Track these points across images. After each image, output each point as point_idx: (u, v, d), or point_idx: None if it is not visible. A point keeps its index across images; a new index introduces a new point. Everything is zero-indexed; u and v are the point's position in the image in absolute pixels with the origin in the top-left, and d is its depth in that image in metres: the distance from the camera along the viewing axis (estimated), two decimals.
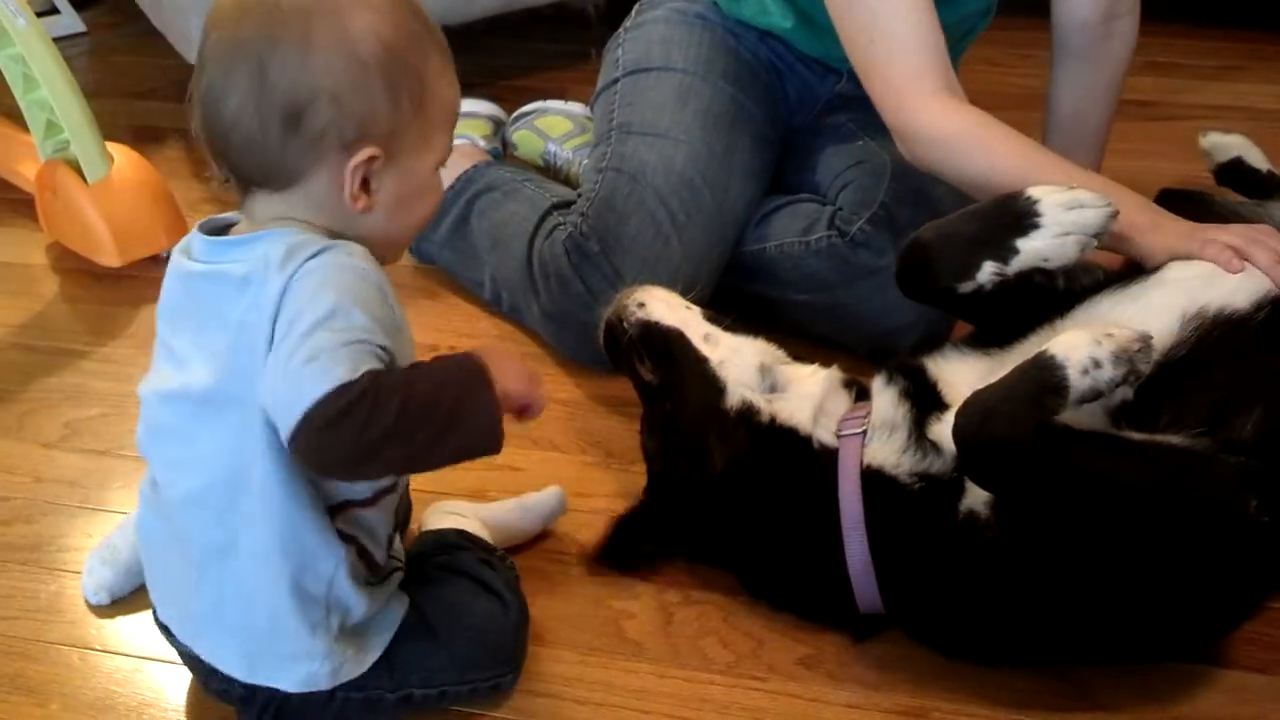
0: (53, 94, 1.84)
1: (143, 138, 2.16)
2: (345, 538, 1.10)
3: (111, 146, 1.93)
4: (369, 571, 1.13)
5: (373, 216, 1.07)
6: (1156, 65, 2.45)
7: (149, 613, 1.24)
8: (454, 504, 1.37)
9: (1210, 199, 1.69)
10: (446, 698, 1.19)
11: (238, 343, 1.03)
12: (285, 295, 1.00)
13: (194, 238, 1.10)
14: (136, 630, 1.30)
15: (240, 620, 1.11)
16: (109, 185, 1.90)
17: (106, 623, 1.33)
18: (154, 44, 2.51)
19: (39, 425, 1.62)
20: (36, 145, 1.94)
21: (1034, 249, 1.22)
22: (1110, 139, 1.79)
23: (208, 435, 1.07)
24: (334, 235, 1.06)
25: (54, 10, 2.75)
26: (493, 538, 1.32)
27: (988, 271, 1.23)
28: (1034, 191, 1.23)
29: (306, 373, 0.97)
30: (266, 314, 1.01)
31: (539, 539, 1.40)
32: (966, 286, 1.24)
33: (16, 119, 2.01)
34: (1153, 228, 1.33)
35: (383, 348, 1.00)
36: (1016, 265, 1.23)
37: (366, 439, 0.97)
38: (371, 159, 1.04)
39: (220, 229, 1.11)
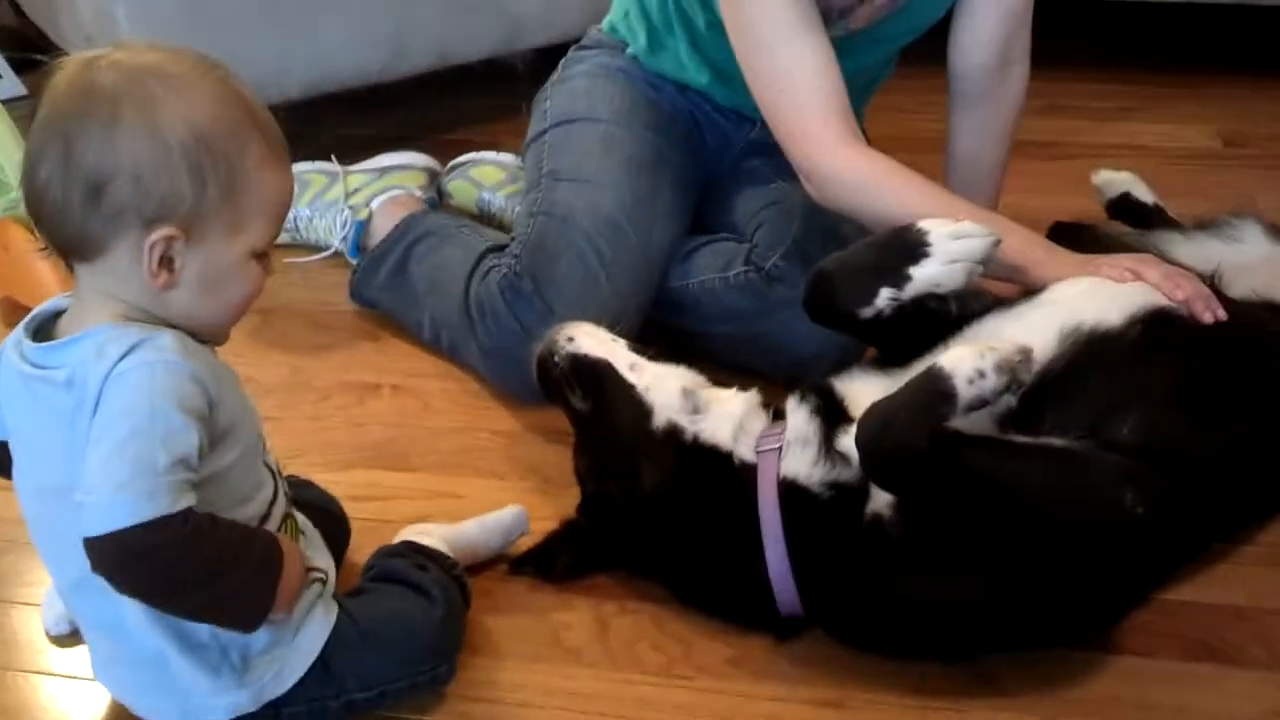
0: (2, 154, 1.91)
1: None
2: None
3: None
4: None
5: (179, 295, 1.11)
6: (1055, 108, 2.58)
7: None
8: (425, 525, 1.45)
9: (1098, 230, 1.83)
10: (387, 696, 1.26)
11: (71, 441, 1.08)
12: (101, 398, 1.06)
13: (21, 340, 1.14)
14: None
15: (154, 680, 1.18)
16: None
17: (68, 651, 1.38)
18: None
19: None
20: None
21: (926, 275, 1.33)
22: (1011, 177, 1.89)
23: (71, 526, 1.07)
24: (148, 316, 1.12)
25: None
26: (456, 555, 1.39)
27: (885, 297, 1.34)
28: (924, 224, 1.34)
29: (120, 499, 1.02)
30: (86, 413, 1.06)
31: (487, 564, 1.47)
32: (867, 312, 1.35)
33: None
34: (1048, 260, 1.45)
35: (197, 457, 1.06)
36: (911, 291, 1.33)
37: (156, 579, 1.06)
38: (170, 238, 1.08)
39: (50, 317, 1.16)
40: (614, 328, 1.54)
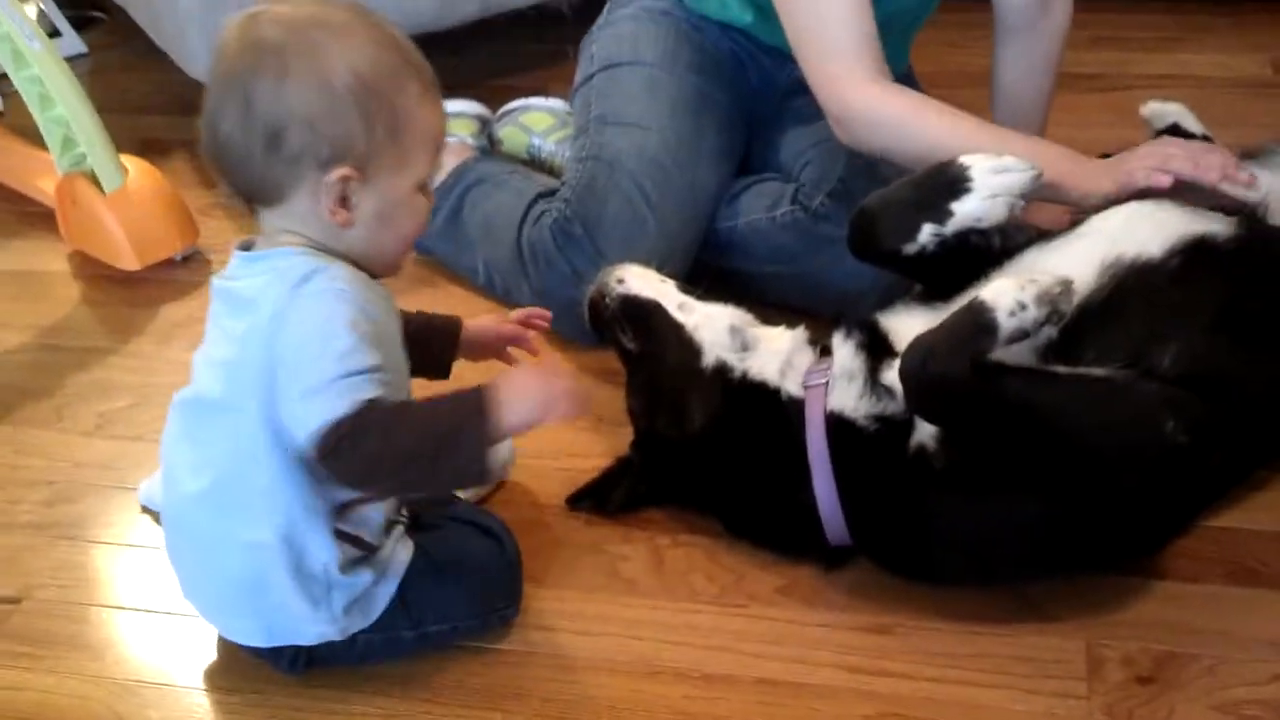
0: (68, 111, 1.96)
1: (149, 150, 2.26)
2: (344, 536, 1.23)
3: (124, 158, 2.05)
4: (363, 553, 1.26)
5: (356, 232, 1.20)
6: (1102, 40, 2.56)
7: None
8: None
9: None
10: (459, 632, 1.32)
11: (240, 356, 1.17)
12: (279, 325, 1.14)
13: (234, 255, 1.24)
14: (177, 592, 1.43)
15: (251, 604, 1.24)
16: (125, 194, 2.02)
17: (149, 588, 1.46)
18: (153, 61, 2.61)
19: (74, 416, 1.75)
20: (54, 160, 2.05)
21: (967, 211, 1.35)
22: (1057, 110, 1.89)
23: (217, 438, 1.20)
24: (327, 250, 1.20)
25: (56, 33, 2.86)
26: (465, 494, 1.45)
27: (927, 233, 1.36)
28: (965, 159, 1.36)
29: (311, 408, 1.12)
30: (262, 334, 1.15)
31: (547, 499, 1.53)
32: (910, 248, 1.37)
33: (34, 137, 2.13)
34: (1078, 171, 1.48)
35: (375, 367, 1.14)
36: (953, 226, 1.36)
37: (364, 466, 1.14)
38: (346, 178, 1.16)
39: (249, 246, 1.24)
40: (662, 269, 1.57)
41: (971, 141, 1.42)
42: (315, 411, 1.11)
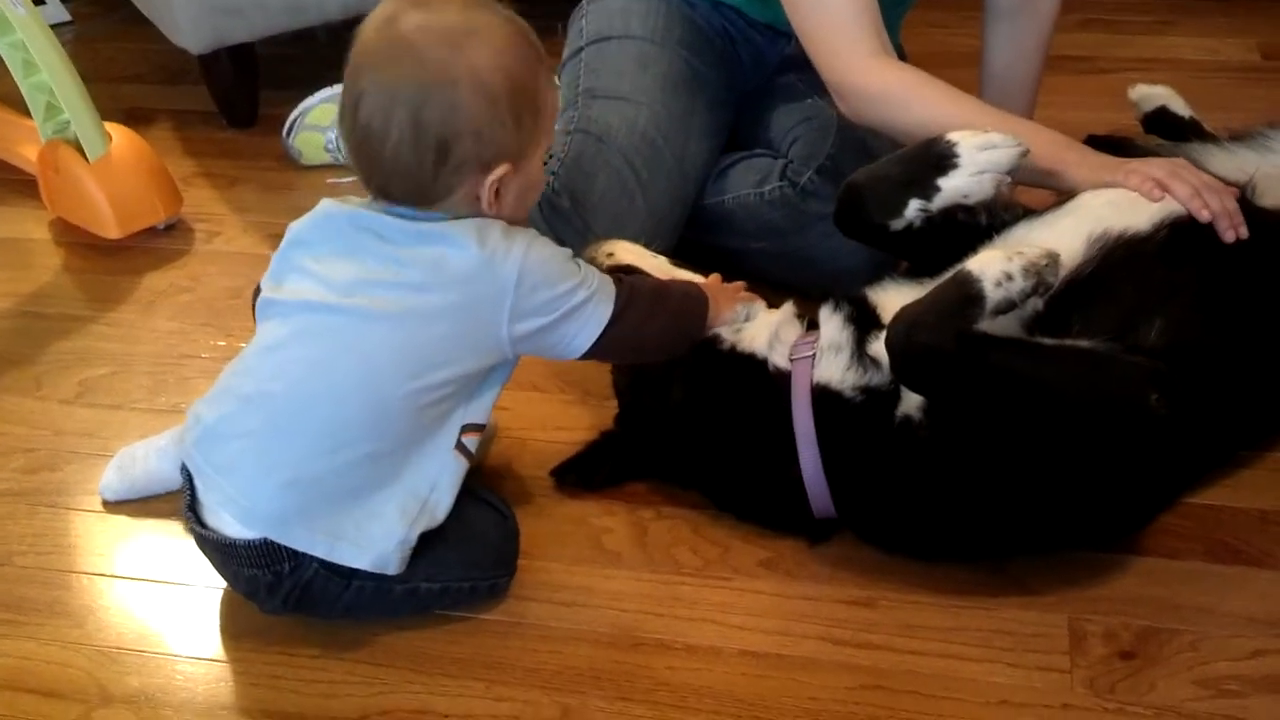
0: (52, 77, 1.94)
1: (133, 119, 2.25)
2: (461, 449, 1.28)
3: (108, 126, 2.03)
4: (469, 465, 1.30)
5: (501, 214, 1.26)
6: (1091, 21, 2.57)
7: (168, 541, 1.39)
8: None
9: (1132, 142, 1.82)
10: (448, 594, 1.32)
11: (435, 279, 1.22)
12: (518, 263, 1.23)
13: (378, 206, 1.27)
14: (158, 559, 1.43)
15: (335, 509, 1.23)
16: (108, 162, 2.00)
17: (130, 554, 1.45)
18: (137, 30, 2.60)
19: (55, 384, 1.74)
20: (38, 127, 2.03)
21: (954, 186, 1.35)
22: (1046, 92, 1.89)
23: (363, 351, 1.23)
24: None
25: (41, 0, 2.84)
26: None
27: (914, 208, 1.36)
28: (952, 135, 1.36)
29: (594, 310, 1.28)
30: (501, 283, 1.23)
31: (532, 471, 1.52)
32: (897, 224, 1.37)
33: (16, 104, 2.12)
34: (1081, 163, 1.46)
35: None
36: (939, 202, 1.35)
37: (636, 340, 1.34)
38: (504, 175, 1.23)
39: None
40: (649, 245, 1.57)
41: (974, 122, 1.41)
42: (594, 314, 1.28)
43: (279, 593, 1.27)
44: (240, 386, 1.27)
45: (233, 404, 1.27)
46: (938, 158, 1.36)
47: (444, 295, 1.23)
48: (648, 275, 1.46)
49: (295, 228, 1.31)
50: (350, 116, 1.22)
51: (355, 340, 1.23)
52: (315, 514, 1.24)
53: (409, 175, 1.22)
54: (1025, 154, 1.35)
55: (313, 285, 1.26)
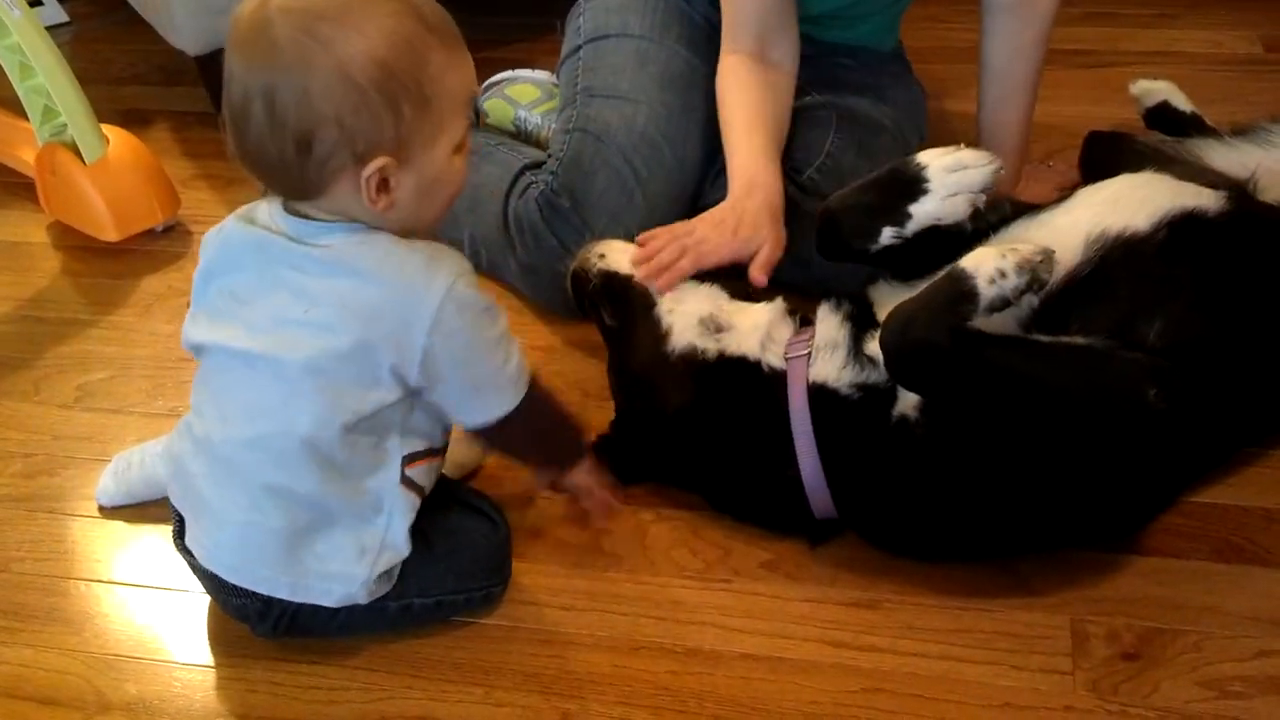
0: (49, 80, 1.93)
1: (131, 120, 2.24)
2: (409, 483, 1.24)
3: (106, 128, 2.02)
4: (419, 498, 1.27)
5: (399, 210, 1.18)
6: (1093, 15, 2.54)
7: (166, 547, 1.37)
8: None
9: (1135, 139, 1.82)
10: (443, 607, 1.31)
11: (340, 319, 1.16)
12: (432, 316, 1.16)
13: (264, 210, 1.21)
14: (155, 565, 1.43)
15: (284, 552, 1.22)
16: (106, 165, 1.99)
17: (128, 560, 1.45)
18: (135, 31, 2.59)
19: (53, 388, 1.74)
20: (35, 130, 2.02)
21: (926, 212, 1.33)
22: (1048, 86, 1.87)
23: (283, 394, 1.18)
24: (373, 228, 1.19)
25: (38, 2, 2.82)
26: (451, 474, 1.43)
27: (888, 236, 1.35)
28: (922, 157, 1.34)
29: (488, 400, 1.23)
30: (387, 311, 1.16)
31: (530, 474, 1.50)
32: (875, 248, 1.36)
33: (13, 107, 2.10)
34: None
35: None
36: (913, 227, 1.34)
37: (522, 444, 1.32)
38: (383, 167, 1.13)
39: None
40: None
41: (729, 143, 1.63)
42: (494, 404, 1.23)
43: (269, 618, 1.27)
44: (195, 425, 1.26)
45: (189, 443, 1.26)
46: (908, 183, 1.33)
47: (352, 334, 1.16)
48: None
49: (207, 256, 1.25)
50: (225, 100, 1.15)
51: (277, 385, 1.18)
52: (272, 557, 1.23)
53: (277, 167, 1.14)
54: (999, 171, 1.33)
55: (234, 328, 1.21)
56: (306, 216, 1.20)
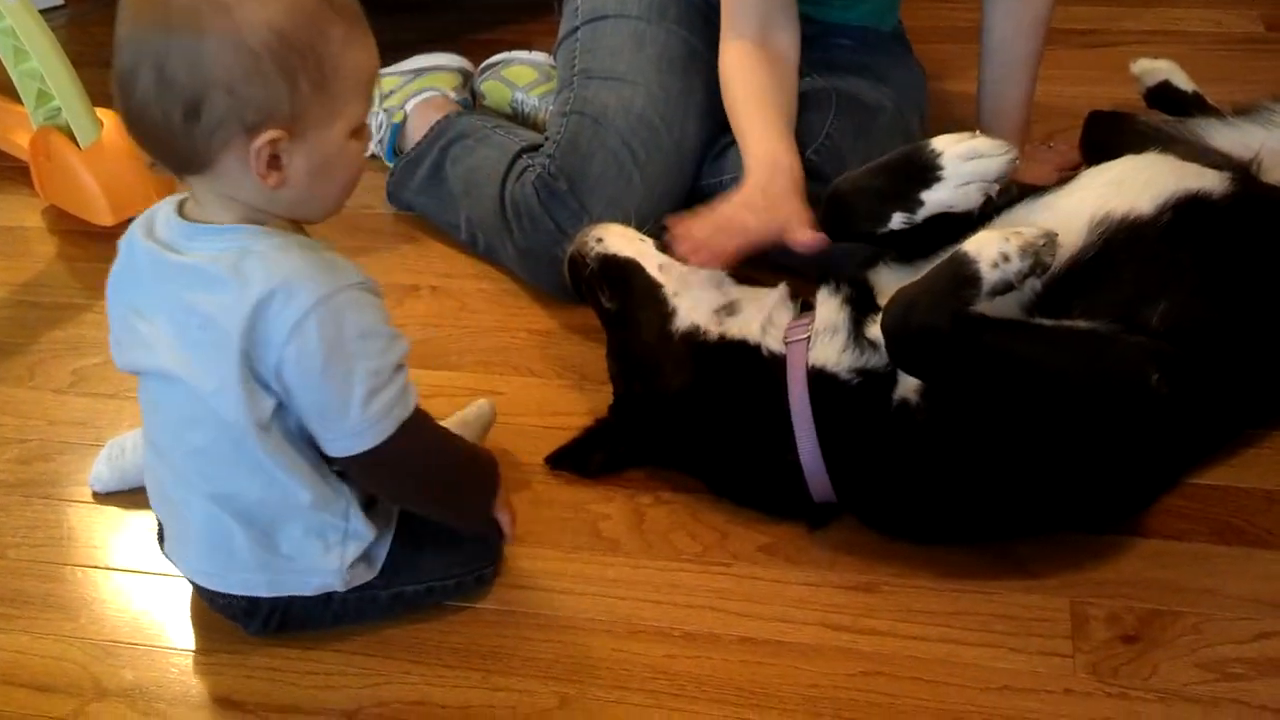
0: (43, 64, 1.92)
1: None
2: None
3: (100, 112, 2.01)
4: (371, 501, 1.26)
5: (290, 190, 1.12)
6: None
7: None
8: None
9: (1136, 119, 1.80)
10: (435, 592, 1.31)
11: (203, 337, 1.12)
12: (298, 333, 1.10)
13: (162, 216, 1.17)
14: (151, 550, 1.41)
15: (256, 553, 1.22)
16: (100, 148, 1.98)
17: (124, 546, 1.44)
18: None
19: (48, 374, 1.73)
20: (29, 114, 2.01)
21: (938, 199, 1.31)
22: (1049, 66, 1.85)
23: (202, 408, 1.15)
24: (265, 214, 1.15)
25: None
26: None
27: (898, 221, 1.33)
28: (936, 144, 1.31)
29: (350, 433, 1.14)
30: (254, 326, 1.10)
31: (528, 457, 1.51)
32: (883, 231, 1.34)
33: (8, 91, 2.09)
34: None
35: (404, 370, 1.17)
36: (923, 214, 1.32)
37: (395, 486, 1.24)
38: (274, 140, 1.07)
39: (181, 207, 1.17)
40: (645, 227, 1.55)
41: (738, 124, 1.63)
42: (340, 440, 1.15)
43: (257, 616, 1.27)
44: (151, 436, 1.27)
45: (153, 453, 1.27)
46: (921, 168, 1.31)
47: (244, 341, 1.11)
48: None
49: (114, 270, 1.22)
50: (114, 66, 1.09)
51: (192, 401, 1.15)
52: (241, 561, 1.22)
53: (163, 136, 1.08)
54: (1015, 161, 1.31)
55: (144, 349, 1.18)
56: (199, 220, 1.15)
